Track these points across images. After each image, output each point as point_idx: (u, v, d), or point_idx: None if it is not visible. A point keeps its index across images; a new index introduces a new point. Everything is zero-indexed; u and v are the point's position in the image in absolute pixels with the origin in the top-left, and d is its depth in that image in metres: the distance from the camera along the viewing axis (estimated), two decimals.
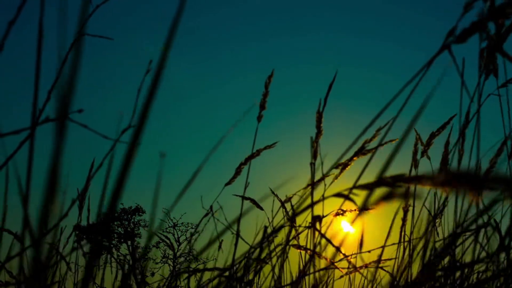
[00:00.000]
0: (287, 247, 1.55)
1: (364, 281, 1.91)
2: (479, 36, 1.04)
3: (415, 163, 1.90)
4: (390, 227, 1.70)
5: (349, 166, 1.49)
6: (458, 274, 1.45)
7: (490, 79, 1.30)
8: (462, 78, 1.10)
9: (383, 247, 1.68)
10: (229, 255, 1.66)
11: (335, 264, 1.49)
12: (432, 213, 1.65)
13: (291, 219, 1.46)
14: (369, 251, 1.69)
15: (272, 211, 1.90)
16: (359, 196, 0.84)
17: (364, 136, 1.40)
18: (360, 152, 1.39)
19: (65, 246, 2.48)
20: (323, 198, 1.13)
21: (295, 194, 1.80)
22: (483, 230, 1.47)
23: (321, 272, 1.50)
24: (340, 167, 1.49)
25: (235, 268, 1.37)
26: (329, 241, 1.41)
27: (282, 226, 1.11)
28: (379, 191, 0.69)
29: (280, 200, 1.90)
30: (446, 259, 1.53)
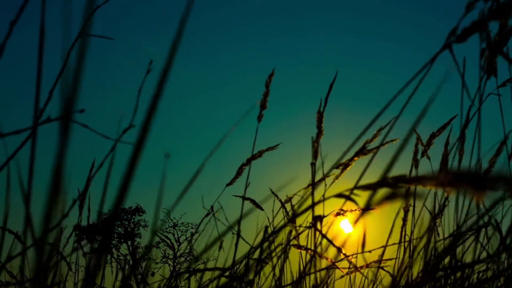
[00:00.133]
0: (288, 247, 1.55)
1: (364, 281, 1.91)
2: (479, 36, 1.04)
3: (415, 163, 1.90)
4: (392, 227, 1.70)
5: (349, 166, 1.49)
6: (458, 274, 1.45)
7: (490, 79, 1.30)
8: (463, 78, 1.10)
9: (383, 247, 1.68)
10: (230, 255, 1.66)
11: (336, 264, 1.49)
12: (433, 213, 1.65)
13: (292, 220, 1.46)
14: (369, 251, 1.69)
15: (272, 211, 1.90)
16: (360, 196, 0.84)
17: (365, 136, 1.40)
18: (361, 152, 1.39)
19: (65, 246, 2.48)
20: (323, 199, 1.13)
21: (295, 194, 1.80)
22: (483, 230, 1.48)
23: (322, 272, 1.50)
24: (341, 167, 1.49)
25: (235, 268, 1.37)
26: (329, 241, 1.41)
27: (283, 226, 1.11)
28: (381, 192, 0.69)
29: (280, 201, 1.90)
30: (447, 259, 1.53)
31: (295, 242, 1.63)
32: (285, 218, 1.87)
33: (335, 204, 1.62)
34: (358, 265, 1.72)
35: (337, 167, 1.47)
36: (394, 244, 1.71)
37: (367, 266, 1.69)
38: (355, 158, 1.39)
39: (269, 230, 1.55)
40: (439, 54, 0.80)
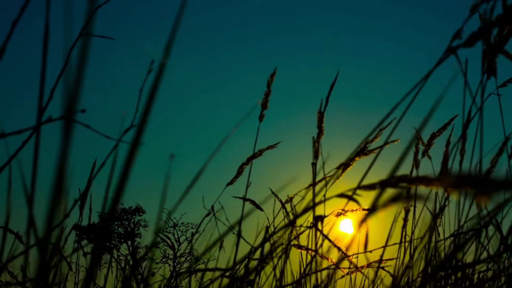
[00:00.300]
0: (289, 247, 1.55)
1: (365, 281, 1.91)
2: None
3: (416, 163, 1.90)
4: (391, 227, 1.70)
5: (350, 167, 1.49)
6: (459, 274, 1.45)
7: (491, 80, 1.30)
8: (465, 78, 1.10)
9: (384, 247, 1.68)
10: (231, 255, 1.66)
11: (337, 264, 1.49)
12: (433, 213, 1.65)
13: (293, 221, 1.46)
14: (370, 251, 1.69)
15: (273, 211, 1.90)
16: (362, 196, 0.84)
17: (370, 137, 1.40)
18: (362, 152, 1.39)
19: (64, 245, 2.48)
20: (324, 199, 1.13)
21: (296, 194, 1.80)
22: (483, 230, 1.48)
23: (324, 272, 1.50)
24: (342, 167, 1.49)
25: (236, 268, 1.37)
26: (330, 241, 1.41)
27: (284, 227, 1.11)
28: (386, 194, 0.69)
29: (281, 201, 1.89)
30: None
31: (296, 242, 1.63)
32: (286, 218, 1.87)
33: (336, 204, 1.63)
34: (359, 265, 1.72)
35: (338, 167, 1.47)
36: (395, 244, 1.71)
37: (368, 266, 1.69)
38: (356, 158, 1.39)
39: (270, 230, 1.55)
40: (446, 58, 0.80)
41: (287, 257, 1.59)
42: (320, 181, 1.55)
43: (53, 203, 0.44)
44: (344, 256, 1.39)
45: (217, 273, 1.50)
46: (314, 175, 1.53)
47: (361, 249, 1.78)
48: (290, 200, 1.87)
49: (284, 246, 1.50)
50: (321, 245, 1.47)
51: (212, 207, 1.86)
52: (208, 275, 1.60)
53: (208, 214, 1.87)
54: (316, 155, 1.55)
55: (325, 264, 1.51)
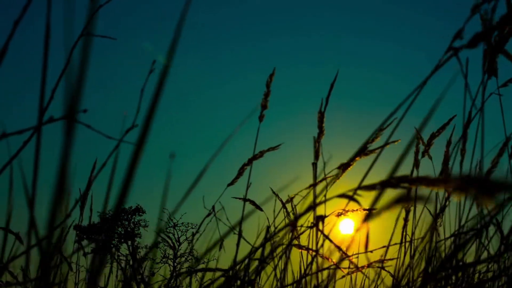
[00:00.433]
0: (289, 247, 1.55)
1: (365, 281, 1.91)
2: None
3: (416, 163, 1.90)
4: (394, 228, 1.70)
5: (351, 167, 1.49)
6: (459, 274, 1.45)
7: (492, 80, 1.30)
8: (466, 79, 1.10)
9: (385, 247, 1.68)
10: (231, 255, 1.66)
11: (338, 264, 1.49)
12: (434, 213, 1.65)
13: (294, 222, 1.46)
14: (371, 251, 1.69)
15: (274, 211, 1.90)
16: (362, 197, 0.84)
17: (371, 137, 1.40)
18: (362, 152, 1.39)
19: (63, 243, 2.48)
20: (325, 199, 1.13)
21: (296, 194, 1.80)
22: (484, 230, 1.48)
23: (324, 272, 1.50)
24: (342, 168, 1.49)
25: (237, 268, 1.37)
26: (331, 241, 1.41)
27: (285, 227, 1.11)
28: (390, 195, 0.69)
29: (282, 201, 1.89)
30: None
31: (296, 242, 1.63)
32: (286, 218, 1.87)
33: (336, 204, 1.62)
34: (359, 265, 1.72)
35: (338, 167, 1.47)
36: (395, 244, 1.71)
37: (369, 266, 1.69)
38: (357, 158, 1.39)
39: (271, 230, 1.55)
40: (448, 60, 0.80)
41: (287, 257, 1.59)
42: (320, 181, 1.55)
43: (55, 203, 0.44)
44: (344, 256, 1.39)
45: (218, 273, 1.50)
46: (315, 175, 1.53)
47: (362, 249, 1.78)
48: (290, 200, 1.87)
49: (284, 246, 1.49)
50: (322, 245, 1.47)
51: (213, 207, 1.86)
52: (209, 275, 1.60)
53: (208, 214, 1.87)
54: (316, 155, 1.55)
55: (325, 264, 1.51)
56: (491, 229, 1.52)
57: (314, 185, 1.49)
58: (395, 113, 0.89)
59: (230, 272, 1.38)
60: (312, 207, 1.06)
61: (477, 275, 1.54)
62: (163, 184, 0.94)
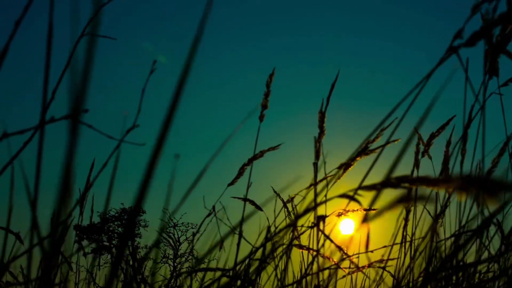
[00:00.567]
0: (290, 247, 1.55)
1: (365, 281, 1.91)
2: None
3: (417, 163, 1.90)
4: (397, 228, 1.70)
5: (351, 167, 1.49)
6: (460, 274, 1.45)
7: (493, 79, 1.30)
8: (467, 78, 1.10)
9: (385, 247, 1.68)
10: (232, 255, 1.66)
11: (339, 264, 1.49)
12: (435, 213, 1.65)
13: (294, 222, 1.46)
14: (371, 251, 1.69)
15: (274, 211, 1.90)
16: (363, 196, 0.84)
17: (370, 137, 1.40)
18: (363, 152, 1.39)
19: (63, 243, 2.47)
20: (326, 199, 1.13)
21: (297, 194, 1.80)
22: (485, 230, 1.48)
23: (325, 272, 1.50)
24: (343, 168, 1.49)
25: (237, 268, 1.37)
26: (332, 241, 1.41)
27: (286, 227, 1.11)
28: (387, 195, 0.69)
29: (283, 200, 1.89)
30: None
31: (297, 242, 1.63)
32: (287, 218, 1.87)
33: (337, 204, 1.62)
34: (360, 265, 1.72)
35: (339, 167, 1.47)
36: (396, 244, 1.71)
37: (369, 266, 1.69)
38: (358, 158, 1.39)
39: (272, 230, 1.55)
40: (447, 58, 0.80)
41: (288, 257, 1.59)
42: (321, 181, 1.55)
43: (60, 204, 0.44)
44: (345, 256, 1.39)
45: (218, 273, 1.50)
46: (316, 175, 1.53)
47: (362, 249, 1.78)
48: (291, 200, 1.87)
49: (285, 246, 1.49)
50: (323, 245, 1.46)
51: (213, 207, 1.86)
52: (209, 275, 1.60)
53: (209, 215, 1.86)
54: (317, 155, 1.55)
55: (326, 264, 1.51)
56: (492, 229, 1.52)
57: (315, 184, 1.49)
58: (394, 112, 0.89)
59: (231, 272, 1.38)
60: (313, 207, 1.06)
61: (477, 275, 1.54)
62: (164, 184, 0.94)
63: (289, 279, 1.76)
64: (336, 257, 1.48)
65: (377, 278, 1.68)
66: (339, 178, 1.44)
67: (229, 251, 1.78)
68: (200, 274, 1.76)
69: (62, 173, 0.44)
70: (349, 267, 1.73)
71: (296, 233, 1.60)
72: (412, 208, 1.82)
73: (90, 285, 2.60)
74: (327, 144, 1.62)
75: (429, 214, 1.76)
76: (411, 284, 1.53)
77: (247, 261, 1.34)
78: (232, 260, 1.58)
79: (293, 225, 1.45)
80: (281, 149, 1.76)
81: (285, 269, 1.60)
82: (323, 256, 1.50)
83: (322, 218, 1.36)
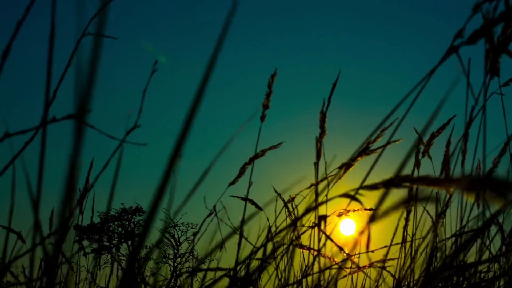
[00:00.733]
0: (291, 247, 1.55)
1: (366, 281, 1.91)
2: (484, 37, 1.04)
3: (417, 163, 1.90)
4: (402, 229, 1.70)
5: (352, 167, 1.49)
6: (460, 274, 1.45)
7: (494, 79, 1.30)
8: (468, 78, 1.10)
9: (386, 247, 1.68)
10: (233, 255, 1.66)
11: (340, 264, 1.49)
12: (435, 214, 1.65)
13: (295, 222, 1.46)
14: (372, 251, 1.69)
15: (275, 211, 1.90)
16: (365, 196, 0.84)
17: (372, 137, 1.40)
18: (364, 152, 1.39)
19: (64, 243, 2.47)
20: (327, 199, 1.13)
21: (298, 194, 1.80)
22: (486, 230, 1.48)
23: (326, 272, 1.50)
24: (344, 167, 1.49)
25: (238, 268, 1.37)
26: (332, 241, 1.41)
27: (287, 227, 1.11)
28: (397, 196, 0.69)
29: (283, 200, 1.89)
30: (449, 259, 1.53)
31: (297, 242, 1.63)
32: (288, 218, 1.87)
33: (338, 204, 1.62)
34: (360, 265, 1.72)
35: (340, 167, 1.47)
36: (397, 244, 1.71)
37: (370, 266, 1.69)
38: (358, 158, 1.39)
39: (273, 230, 1.55)
40: (447, 57, 0.80)
41: (289, 257, 1.59)
42: (322, 180, 1.55)
43: (65, 205, 0.44)
44: (346, 256, 1.39)
45: (219, 273, 1.50)
46: (317, 175, 1.53)
47: (363, 249, 1.78)
48: (292, 200, 1.87)
49: (286, 246, 1.50)
50: (324, 244, 1.46)
51: (214, 207, 1.86)
52: (210, 275, 1.60)
53: (210, 214, 1.86)
54: (318, 155, 1.55)
55: (327, 263, 1.51)
56: (493, 228, 1.52)
57: (316, 184, 1.49)
58: (393, 112, 0.89)
59: (231, 272, 1.38)
60: (314, 207, 1.06)
61: (478, 274, 1.54)
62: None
63: (290, 279, 1.76)
64: (337, 257, 1.48)
65: (378, 278, 1.68)
66: (340, 178, 1.44)
67: (230, 251, 1.78)
68: (200, 274, 1.76)
69: (66, 174, 0.44)
70: (350, 267, 1.73)
71: (296, 233, 1.60)
72: (413, 208, 1.82)
73: (91, 285, 2.61)
74: (327, 144, 1.62)
75: (429, 214, 1.76)
76: (411, 284, 1.53)
77: (247, 261, 1.34)
78: (233, 260, 1.58)
79: (294, 225, 1.45)
80: (282, 148, 1.76)
81: (286, 269, 1.60)
82: (324, 256, 1.50)
83: (323, 218, 1.36)
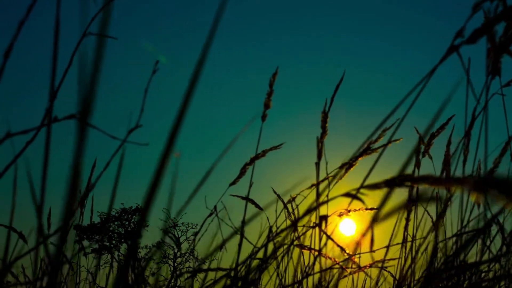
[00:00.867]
0: (291, 247, 1.55)
1: (367, 281, 1.91)
2: (486, 37, 1.05)
3: (418, 163, 1.90)
4: (404, 229, 1.70)
5: (353, 167, 1.49)
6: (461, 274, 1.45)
7: (495, 79, 1.30)
8: (468, 78, 1.10)
9: (386, 247, 1.68)
10: (234, 255, 1.66)
11: (340, 264, 1.49)
12: (436, 214, 1.65)
13: (295, 222, 1.46)
14: (373, 251, 1.69)
15: (276, 211, 1.90)
16: (366, 195, 0.84)
17: (373, 137, 1.40)
18: (365, 152, 1.39)
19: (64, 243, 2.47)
20: (328, 199, 1.13)
21: (298, 194, 1.80)
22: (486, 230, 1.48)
23: (327, 272, 1.50)
24: (345, 167, 1.49)
25: (239, 268, 1.37)
26: (333, 241, 1.41)
27: (288, 227, 1.11)
28: (392, 194, 0.69)
29: (283, 201, 1.89)
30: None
31: (297, 242, 1.62)
32: (288, 218, 1.87)
33: (338, 204, 1.62)
34: (361, 265, 1.72)
35: (341, 167, 1.47)
36: (397, 244, 1.71)
37: (371, 266, 1.69)
38: (360, 158, 1.39)
39: (273, 230, 1.55)
40: (448, 56, 0.80)
41: (290, 257, 1.59)
42: (323, 180, 1.55)
43: (68, 205, 0.44)
44: (347, 256, 1.39)
45: (220, 273, 1.50)
46: (318, 175, 1.53)
47: (364, 249, 1.78)
48: (292, 200, 1.86)
49: (287, 246, 1.49)
50: (325, 244, 1.46)
51: (215, 207, 1.86)
52: (210, 275, 1.60)
53: (210, 214, 1.86)
54: (319, 155, 1.55)
55: (328, 264, 1.51)
56: (493, 228, 1.52)
57: (316, 184, 1.49)
58: (394, 112, 0.89)
59: (232, 272, 1.38)
60: (315, 207, 1.06)
61: (478, 274, 1.54)
62: (165, 184, 0.94)
63: (290, 279, 1.76)
64: (338, 257, 1.48)
65: (379, 277, 1.68)
66: (341, 177, 1.44)
67: (231, 251, 1.78)
68: (201, 275, 1.76)
69: (70, 175, 0.44)
70: (351, 267, 1.73)
71: (297, 233, 1.60)
72: (413, 208, 1.82)
73: (91, 285, 2.61)
74: (327, 143, 1.62)
75: (429, 215, 1.76)
76: (412, 284, 1.53)
77: (248, 261, 1.34)
78: (234, 260, 1.58)
79: (294, 225, 1.45)
80: (283, 148, 1.76)
81: (286, 269, 1.60)
82: (325, 256, 1.50)
83: (324, 218, 1.36)
